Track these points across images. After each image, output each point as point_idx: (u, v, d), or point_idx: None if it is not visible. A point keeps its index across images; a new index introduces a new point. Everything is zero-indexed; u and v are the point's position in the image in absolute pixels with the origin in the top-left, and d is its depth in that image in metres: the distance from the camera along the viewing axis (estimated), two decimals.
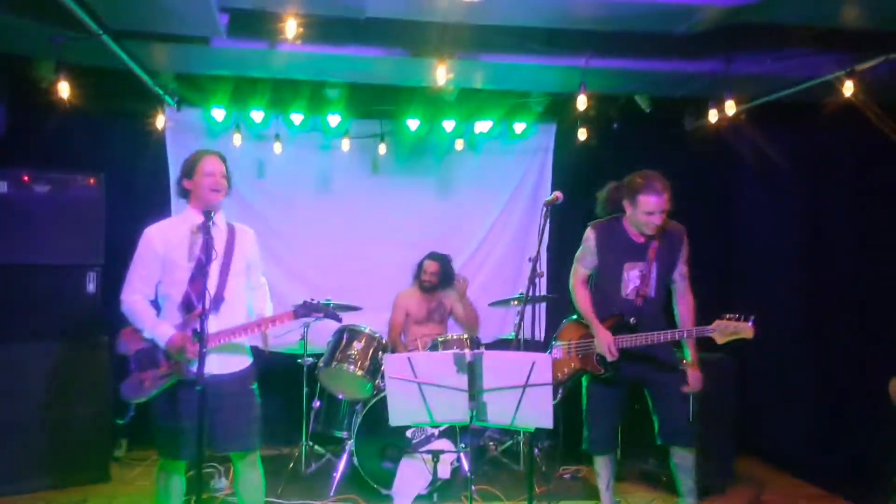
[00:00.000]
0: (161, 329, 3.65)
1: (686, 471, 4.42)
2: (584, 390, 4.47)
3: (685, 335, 4.17)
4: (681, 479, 4.44)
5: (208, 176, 3.76)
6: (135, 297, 3.72)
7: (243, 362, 3.87)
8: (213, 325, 3.68)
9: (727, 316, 4.02)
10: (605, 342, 4.18)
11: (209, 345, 3.60)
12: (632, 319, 4.22)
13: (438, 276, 6.19)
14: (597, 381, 4.36)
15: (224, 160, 3.86)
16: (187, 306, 3.67)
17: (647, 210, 4.15)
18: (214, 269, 3.70)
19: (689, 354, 4.31)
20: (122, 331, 3.77)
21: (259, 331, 3.80)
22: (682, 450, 4.39)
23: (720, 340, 4.03)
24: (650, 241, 4.28)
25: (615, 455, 4.52)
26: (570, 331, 4.49)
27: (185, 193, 3.85)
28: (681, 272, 4.37)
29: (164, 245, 3.71)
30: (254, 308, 3.96)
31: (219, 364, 3.69)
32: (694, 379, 4.30)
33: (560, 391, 4.55)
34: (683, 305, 4.39)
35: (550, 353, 4.40)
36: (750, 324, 3.95)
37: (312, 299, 3.89)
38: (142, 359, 3.68)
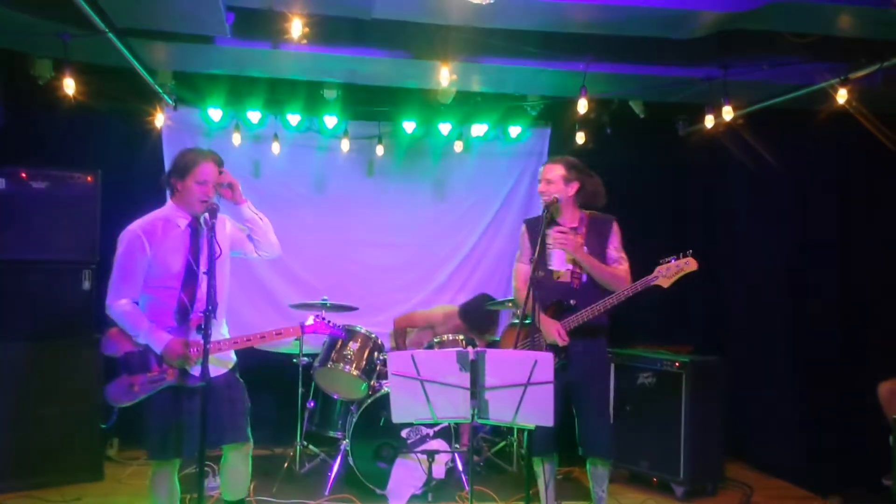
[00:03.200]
0: (157, 335, 3.57)
1: (600, 479, 4.42)
2: None
3: (629, 292, 4.08)
4: (593, 486, 4.43)
5: (200, 185, 3.65)
6: (122, 302, 3.60)
7: (228, 362, 3.85)
8: (213, 331, 3.64)
9: (664, 260, 4.06)
10: (554, 328, 4.14)
11: (214, 352, 3.61)
12: (572, 301, 4.18)
13: None
14: None
15: (220, 164, 3.76)
16: (182, 312, 3.62)
17: (539, 178, 4.29)
18: (204, 275, 3.63)
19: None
20: (109, 331, 3.65)
21: (266, 342, 3.79)
22: (600, 462, 4.37)
23: (666, 284, 4.05)
24: (577, 229, 4.27)
25: (555, 458, 4.42)
26: (508, 337, 4.47)
27: (171, 188, 3.75)
28: (611, 256, 4.29)
29: (153, 246, 3.63)
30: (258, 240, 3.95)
31: (216, 363, 3.71)
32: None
33: None
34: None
35: None
36: (689, 256, 4.00)
37: (323, 318, 3.98)
38: (132, 362, 3.58)
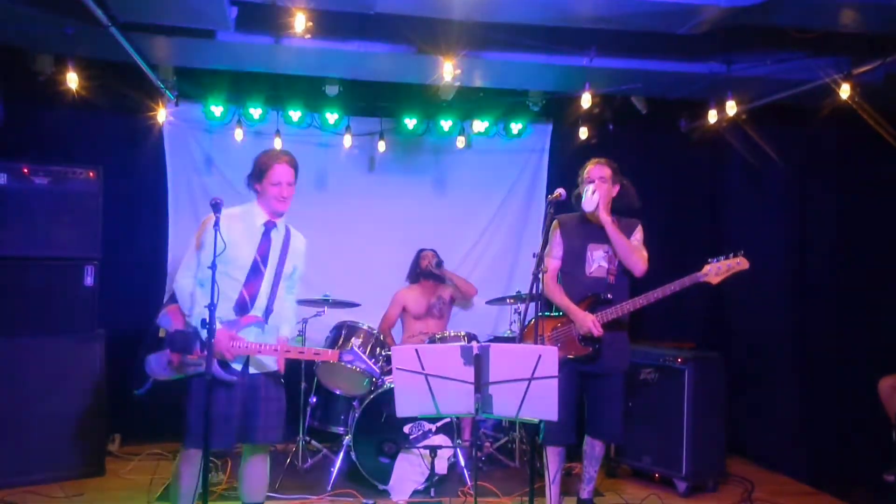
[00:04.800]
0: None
1: (596, 460, 4.69)
2: None
3: (676, 287, 4.26)
4: (587, 465, 4.71)
5: (275, 186, 3.81)
6: (188, 281, 3.73)
7: (275, 361, 3.90)
8: (258, 334, 3.79)
9: (713, 259, 4.25)
10: (589, 320, 4.31)
11: (252, 353, 3.73)
12: (609, 295, 4.37)
13: (437, 259, 6.30)
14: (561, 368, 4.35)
15: (295, 166, 3.90)
16: (241, 307, 3.72)
17: (589, 178, 4.44)
18: (269, 277, 3.79)
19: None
20: (168, 307, 3.78)
21: (301, 357, 3.94)
22: (603, 443, 4.69)
23: (715, 280, 4.25)
24: None
25: (566, 449, 4.59)
26: (534, 330, 4.50)
27: (254, 191, 3.91)
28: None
29: (230, 233, 3.66)
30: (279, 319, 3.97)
31: (256, 365, 3.80)
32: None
33: None
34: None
35: None
36: (741, 256, 4.21)
37: (361, 352, 4.18)
38: (177, 340, 3.69)
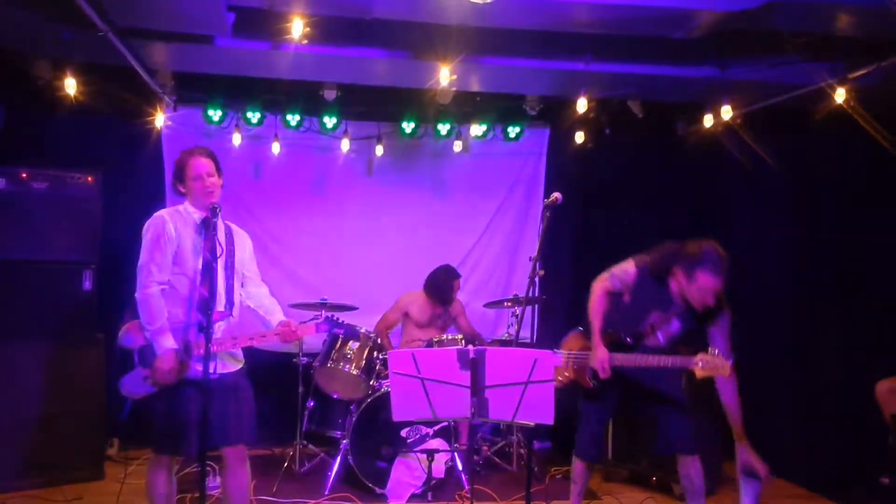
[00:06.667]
0: (163, 339, 3.59)
1: (696, 495, 4.34)
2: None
3: (669, 364, 4.04)
4: (682, 481, 4.39)
5: (197, 180, 3.74)
6: (152, 290, 3.61)
7: (240, 360, 3.89)
8: (226, 328, 3.76)
9: (709, 351, 4.01)
10: (601, 359, 4.10)
11: (227, 348, 3.70)
12: (628, 339, 4.19)
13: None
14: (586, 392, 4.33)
15: (211, 156, 3.83)
16: (205, 307, 3.58)
17: (702, 287, 4.00)
18: (221, 271, 3.72)
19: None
20: (128, 324, 3.69)
21: (280, 340, 3.82)
22: (684, 457, 4.34)
23: (699, 375, 4.00)
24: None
25: (593, 467, 4.47)
26: (573, 340, 4.45)
27: (181, 194, 3.85)
28: (721, 350, 4.08)
29: (177, 232, 3.67)
30: (269, 309, 3.95)
31: (221, 364, 3.73)
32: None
33: None
34: (727, 395, 4.15)
35: None
36: (730, 363, 3.96)
37: (335, 316, 3.95)
38: (147, 355, 3.62)
